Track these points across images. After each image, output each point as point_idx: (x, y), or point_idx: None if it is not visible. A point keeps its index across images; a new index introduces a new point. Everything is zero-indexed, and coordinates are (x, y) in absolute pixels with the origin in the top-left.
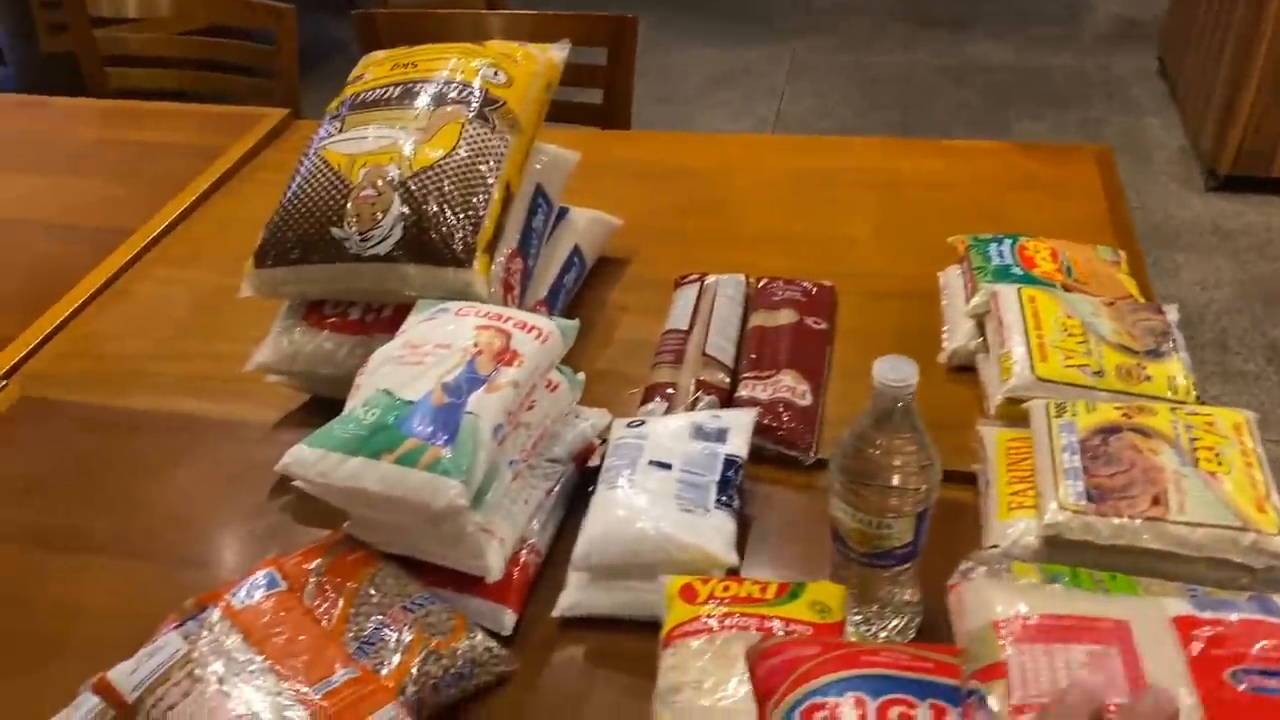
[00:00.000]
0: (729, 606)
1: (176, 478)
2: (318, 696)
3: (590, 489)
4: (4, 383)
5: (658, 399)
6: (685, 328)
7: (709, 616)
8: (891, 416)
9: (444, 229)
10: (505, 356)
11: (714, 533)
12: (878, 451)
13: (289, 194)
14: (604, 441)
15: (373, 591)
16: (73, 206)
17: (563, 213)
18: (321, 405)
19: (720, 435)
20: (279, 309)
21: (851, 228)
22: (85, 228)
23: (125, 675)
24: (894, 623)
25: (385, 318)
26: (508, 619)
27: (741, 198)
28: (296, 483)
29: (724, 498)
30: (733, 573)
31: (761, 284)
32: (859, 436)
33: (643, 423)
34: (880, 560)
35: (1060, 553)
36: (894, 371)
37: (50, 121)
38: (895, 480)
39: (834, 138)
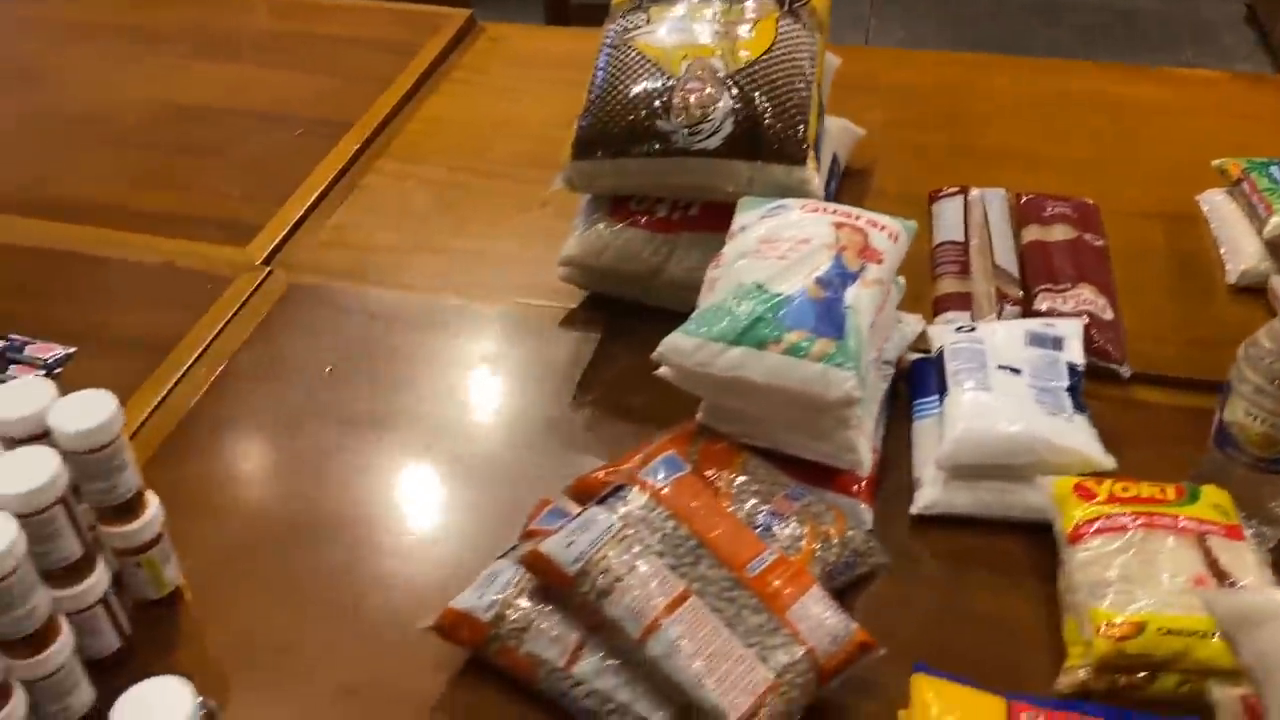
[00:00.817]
0: (1134, 506)
1: (476, 368)
2: (753, 576)
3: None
4: (267, 269)
5: (954, 309)
6: (961, 239)
7: (1120, 515)
8: None
9: (777, 125)
10: (868, 253)
11: (1086, 436)
12: None
13: (600, 86)
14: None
15: (749, 480)
16: (284, 98)
17: None
18: (598, 302)
19: (1057, 343)
20: (570, 205)
21: (1087, 149)
22: (299, 119)
23: (561, 549)
24: (1266, 531)
25: (692, 216)
26: (867, 514)
27: (967, 114)
28: (660, 371)
29: (1077, 404)
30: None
31: (1025, 199)
32: None
33: (973, 328)
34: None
35: None
36: None
37: (215, 10)
38: None
39: (1051, 60)
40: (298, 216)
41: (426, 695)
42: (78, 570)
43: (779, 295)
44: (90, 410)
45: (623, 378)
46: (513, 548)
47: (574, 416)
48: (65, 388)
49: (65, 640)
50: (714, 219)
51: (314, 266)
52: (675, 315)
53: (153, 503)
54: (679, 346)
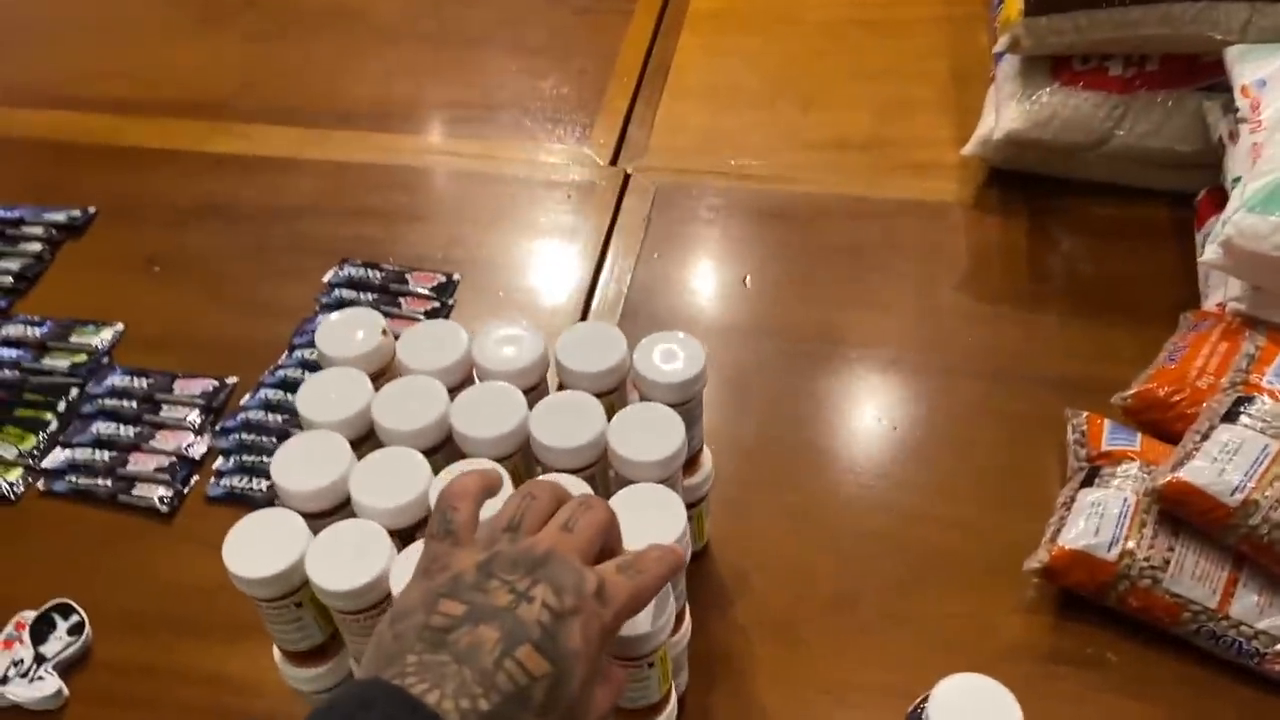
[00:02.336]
0: None
1: (903, 261)
2: None
3: None
4: (622, 170)
5: None
6: None
7: None
8: None
9: None
10: None
11: None
12: None
13: None
14: None
15: None
16: None
17: None
18: (1004, 181)
19: None
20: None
21: None
22: (577, 5)
23: (1214, 478)
24: None
25: (1150, 72)
26: None
27: None
28: (1207, 257)
29: None
30: None
31: None
32: None
33: None
34: None
35: None
36: None
37: None
38: None
39: None
40: (625, 108)
41: (1030, 638)
42: None
43: None
44: (680, 359)
45: (1070, 261)
46: (1089, 473)
47: (1033, 312)
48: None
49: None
50: (1177, 75)
51: (669, 163)
52: (1107, 188)
53: (707, 453)
54: (1254, 229)
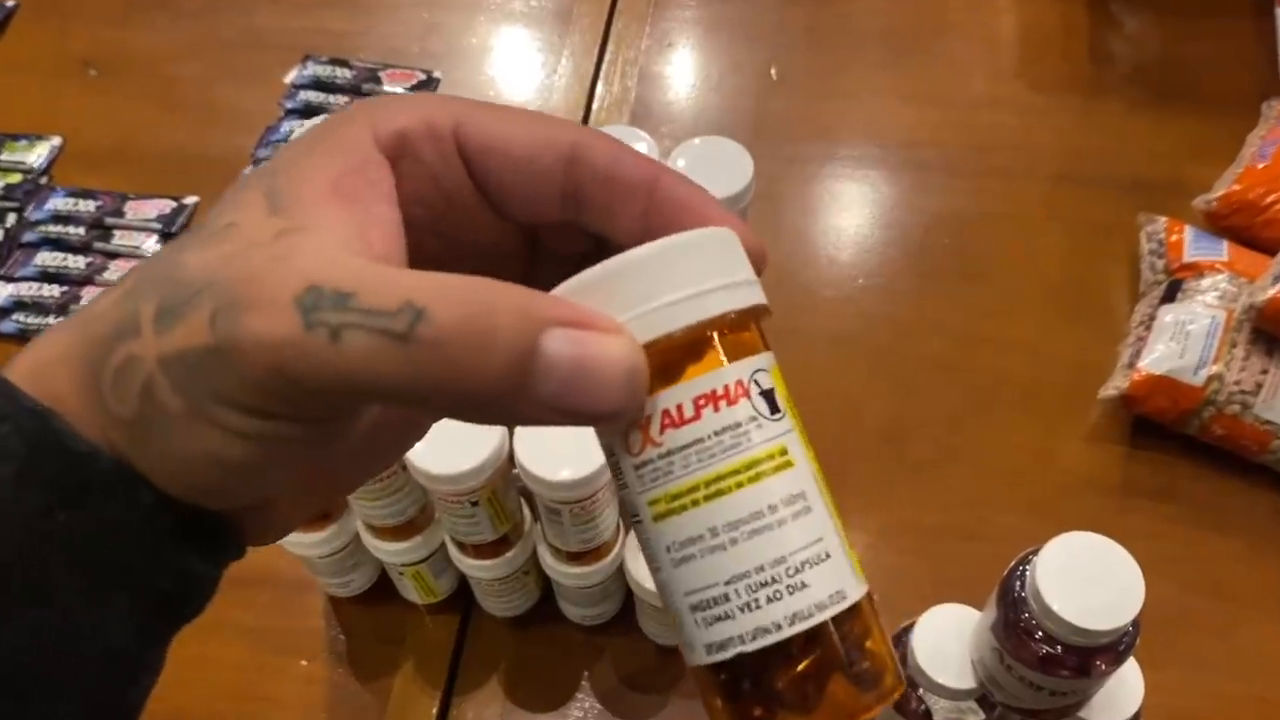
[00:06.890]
0: None
1: (943, 51)
2: None
3: None
4: None
5: None
6: None
7: None
8: None
9: None
10: None
11: None
12: None
13: None
14: None
15: None
16: None
17: None
18: None
19: None
20: None
21: None
22: None
23: None
24: None
25: None
26: None
27: None
28: None
29: None
30: None
31: None
32: None
33: None
34: None
35: None
36: None
37: None
38: None
39: None
40: None
41: (1098, 469)
42: None
43: None
44: (723, 170)
45: (1135, 44)
46: (1170, 288)
47: (1095, 102)
48: None
49: None
50: None
51: None
52: None
53: None
54: None
